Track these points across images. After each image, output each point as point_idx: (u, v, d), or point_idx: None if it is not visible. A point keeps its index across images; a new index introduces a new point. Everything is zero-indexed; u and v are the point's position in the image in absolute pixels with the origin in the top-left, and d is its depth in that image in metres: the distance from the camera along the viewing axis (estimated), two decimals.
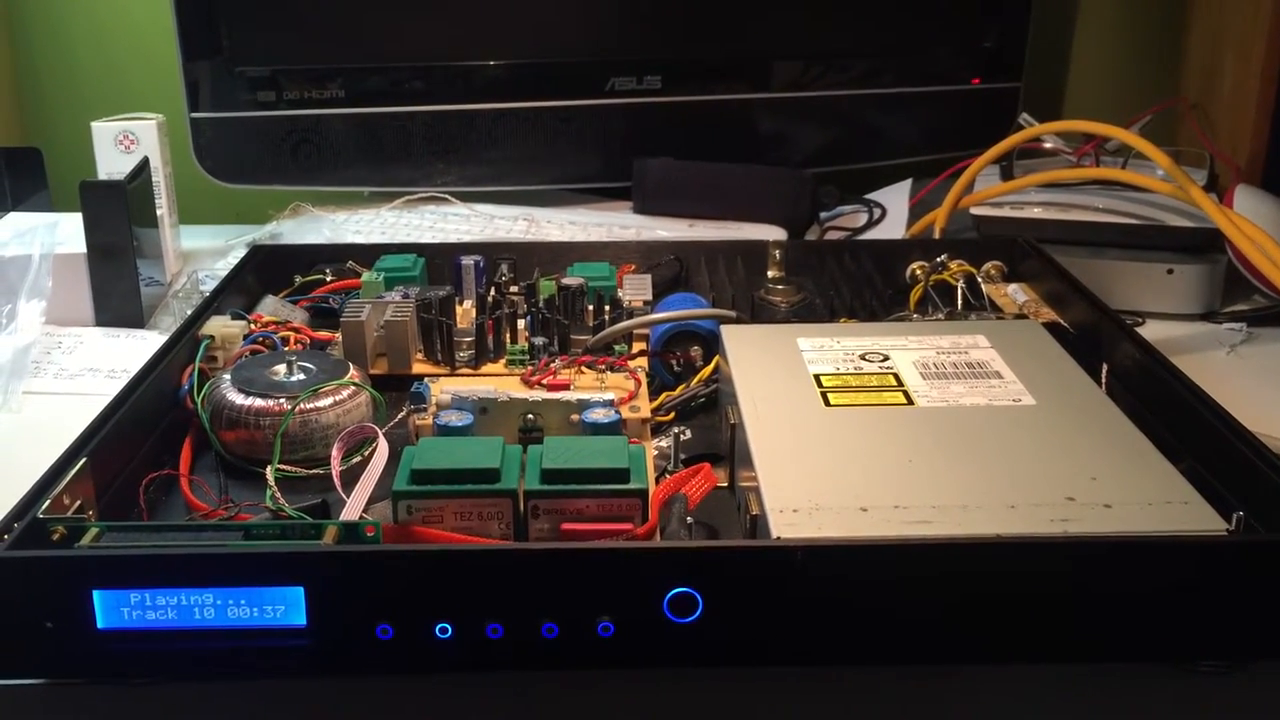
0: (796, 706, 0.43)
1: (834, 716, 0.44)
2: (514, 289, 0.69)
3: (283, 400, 0.54)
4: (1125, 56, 1.07)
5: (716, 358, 0.60)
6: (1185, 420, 0.51)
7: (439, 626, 0.40)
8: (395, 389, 0.58)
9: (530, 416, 0.54)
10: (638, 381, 0.57)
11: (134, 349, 0.71)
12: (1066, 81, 1.07)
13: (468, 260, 0.70)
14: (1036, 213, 0.80)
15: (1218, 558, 0.40)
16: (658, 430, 0.57)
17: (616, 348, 0.62)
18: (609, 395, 0.54)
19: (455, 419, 0.52)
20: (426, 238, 0.85)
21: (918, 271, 0.73)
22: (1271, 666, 0.43)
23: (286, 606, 0.40)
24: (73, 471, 0.45)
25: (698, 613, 0.40)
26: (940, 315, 0.67)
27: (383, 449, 0.50)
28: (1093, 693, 0.43)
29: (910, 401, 0.52)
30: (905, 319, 0.67)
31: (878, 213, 0.91)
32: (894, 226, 0.89)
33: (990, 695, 0.43)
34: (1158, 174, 0.78)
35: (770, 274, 0.74)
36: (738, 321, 0.62)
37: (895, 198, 0.92)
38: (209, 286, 0.71)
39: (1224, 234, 0.71)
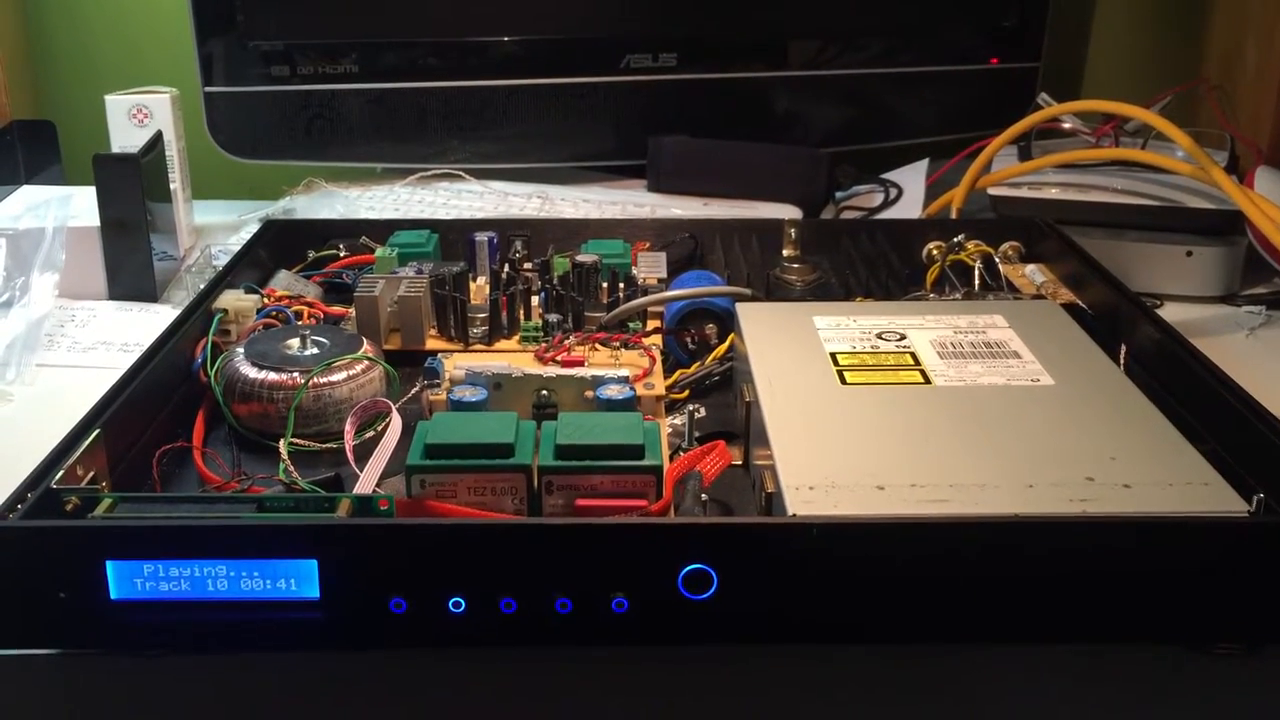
0: (811, 684, 0.43)
1: (849, 695, 0.43)
2: (528, 265, 0.69)
3: (296, 374, 0.53)
4: (1145, 37, 1.06)
5: (731, 335, 0.60)
6: (1205, 402, 0.51)
7: (452, 600, 0.40)
8: (409, 364, 0.58)
9: (544, 393, 0.53)
10: (652, 359, 0.57)
11: (147, 323, 0.71)
12: (1086, 62, 1.06)
13: (481, 236, 0.70)
14: (1054, 193, 0.80)
15: (1239, 539, 0.40)
16: (672, 408, 0.57)
17: (631, 325, 0.62)
18: (624, 372, 0.54)
19: (469, 394, 0.52)
20: (440, 214, 0.85)
21: (934, 251, 0.73)
22: None
23: (299, 579, 0.40)
24: (86, 443, 0.45)
25: (712, 589, 0.40)
26: (957, 295, 0.67)
27: (396, 424, 0.50)
28: (1109, 674, 0.43)
29: (927, 380, 0.51)
30: (922, 299, 0.67)
31: (894, 193, 0.91)
32: (910, 207, 0.88)
33: (1005, 675, 0.43)
34: (1178, 155, 0.77)
35: (785, 253, 0.74)
36: (753, 299, 0.62)
37: (912, 178, 0.91)
38: (222, 261, 0.71)
39: (1245, 215, 0.71)
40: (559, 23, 0.90)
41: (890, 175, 0.93)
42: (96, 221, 0.73)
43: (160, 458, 0.50)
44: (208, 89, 0.88)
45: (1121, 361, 0.56)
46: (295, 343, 0.56)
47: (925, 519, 0.41)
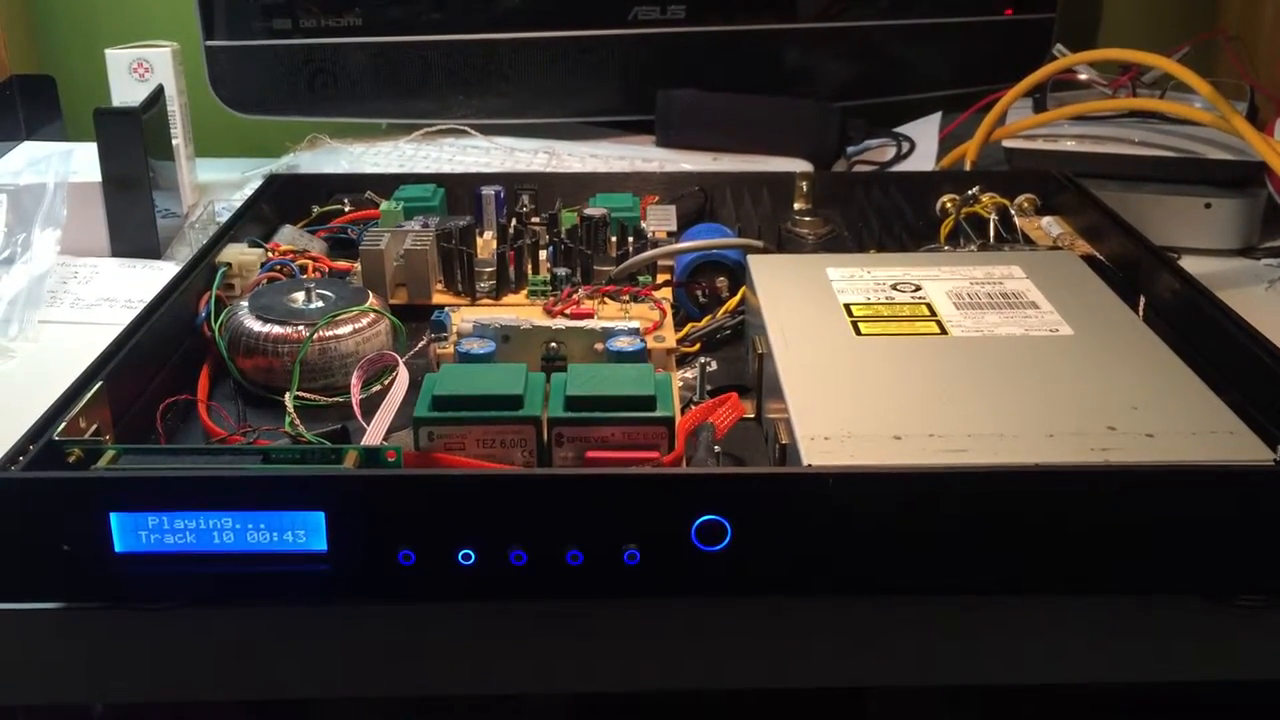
0: (826, 636, 0.43)
1: (865, 647, 0.43)
2: (535, 220, 0.68)
3: (301, 327, 0.53)
4: None
5: (743, 289, 0.59)
6: (1227, 352, 0.50)
7: (462, 553, 0.39)
8: (415, 319, 0.57)
9: (553, 345, 0.53)
10: (663, 311, 0.56)
11: (150, 279, 0.70)
12: (1101, 14, 1.04)
13: (488, 190, 0.69)
14: (1070, 145, 0.78)
15: (1265, 488, 0.39)
16: (683, 361, 0.56)
17: (640, 278, 0.61)
18: (634, 323, 0.53)
19: (477, 346, 0.51)
20: (445, 170, 0.84)
21: (948, 204, 0.71)
22: None
23: (307, 531, 0.39)
24: (89, 394, 0.44)
25: (726, 541, 0.39)
26: (972, 248, 0.66)
27: (403, 377, 0.49)
28: (1129, 626, 0.42)
29: (944, 331, 0.50)
30: (936, 251, 0.66)
31: (906, 147, 0.89)
32: (923, 161, 0.87)
33: (1023, 626, 0.43)
34: (1196, 106, 0.75)
35: (797, 206, 0.73)
36: (765, 252, 0.61)
37: (924, 131, 0.90)
38: (225, 218, 0.70)
39: (1267, 166, 0.69)
40: None
41: (902, 129, 0.91)
42: (98, 177, 0.72)
43: (164, 411, 0.49)
44: (209, 43, 0.87)
45: (1140, 313, 0.55)
46: (300, 296, 0.55)
47: (944, 469, 0.40)
